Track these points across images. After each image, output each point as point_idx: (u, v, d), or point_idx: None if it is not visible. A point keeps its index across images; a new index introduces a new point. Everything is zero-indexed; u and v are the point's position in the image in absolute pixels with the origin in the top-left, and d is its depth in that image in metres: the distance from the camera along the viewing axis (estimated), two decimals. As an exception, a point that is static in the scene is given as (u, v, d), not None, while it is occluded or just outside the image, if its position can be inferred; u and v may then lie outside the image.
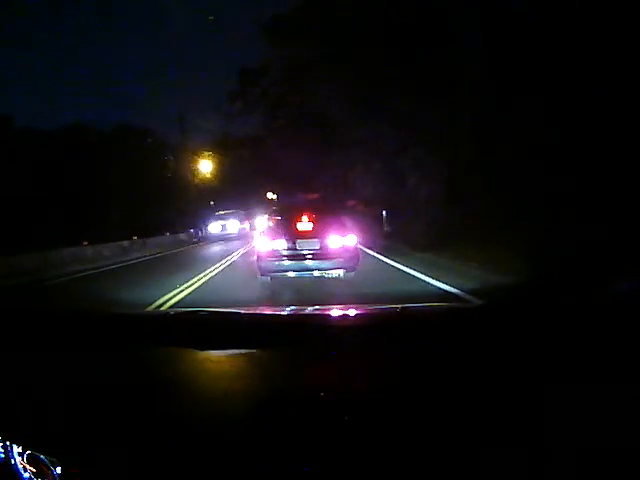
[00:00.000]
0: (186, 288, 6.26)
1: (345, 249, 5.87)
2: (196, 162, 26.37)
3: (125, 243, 17.28)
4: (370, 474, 0.65)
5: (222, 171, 32.49)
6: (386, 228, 14.27)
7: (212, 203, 33.17)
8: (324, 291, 5.42)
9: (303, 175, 23.45)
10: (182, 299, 5.57)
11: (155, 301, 5.28)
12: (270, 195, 36.45)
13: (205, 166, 27.77)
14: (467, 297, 4.40)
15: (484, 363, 0.94)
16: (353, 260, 5.86)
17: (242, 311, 1.45)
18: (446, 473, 0.64)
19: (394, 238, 11.81)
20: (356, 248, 6.03)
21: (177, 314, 1.54)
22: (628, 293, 1.02)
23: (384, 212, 14.69)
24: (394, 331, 1.11)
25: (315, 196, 13.85)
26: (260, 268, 5.99)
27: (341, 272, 5.79)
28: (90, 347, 1.20)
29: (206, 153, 27.26)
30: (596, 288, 1.19)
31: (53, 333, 1.29)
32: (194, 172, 25.90)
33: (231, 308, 1.57)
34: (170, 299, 5.54)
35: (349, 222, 6.75)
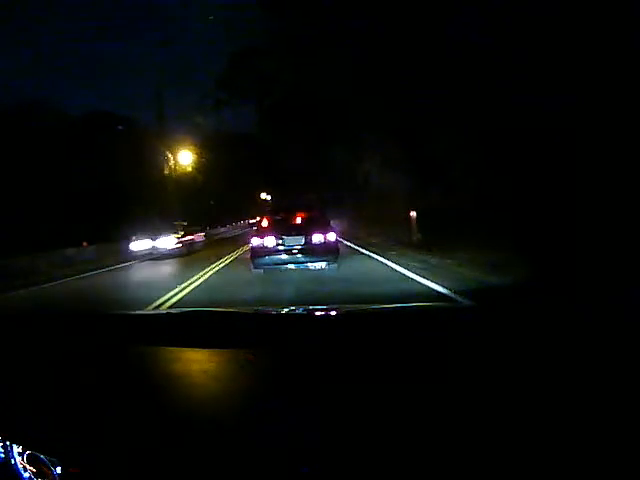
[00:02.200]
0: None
1: (326, 244, 7.33)
2: (175, 154, 22.11)
3: (70, 251, 14.59)
4: (369, 474, 0.70)
5: (211, 170, 31.67)
6: (416, 236, 11.55)
7: (212, 202, 31.96)
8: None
9: (300, 172, 22.27)
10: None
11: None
12: (264, 196, 36.78)
13: (185, 158, 23.43)
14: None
15: (481, 362, 1.01)
16: (333, 254, 7.38)
17: (242, 311, 1.55)
18: (444, 472, 0.69)
19: (435, 253, 8.85)
20: (336, 243, 7.63)
21: (177, 314, 1.63)
22: (624, 297, 1.14)
23: (412, 214, 11.88)
24: (392, 330, 1.19)
25: (314, 195, 13.79)
26: (253, 262, 7.47)
27: (324, 264, 7.24)
28: (90, 347, 1.27)
29: (190, 145, 23.06)
30: (591, 290, 1.34)
31: (54, 333, 1.36)
32: (172, 166, 21.66)
33: (231, 308, 1.68)
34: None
35: (331, 220, 8.35)
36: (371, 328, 1.25)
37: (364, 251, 11.17)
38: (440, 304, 2.89)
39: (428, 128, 11.02)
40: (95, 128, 22.15)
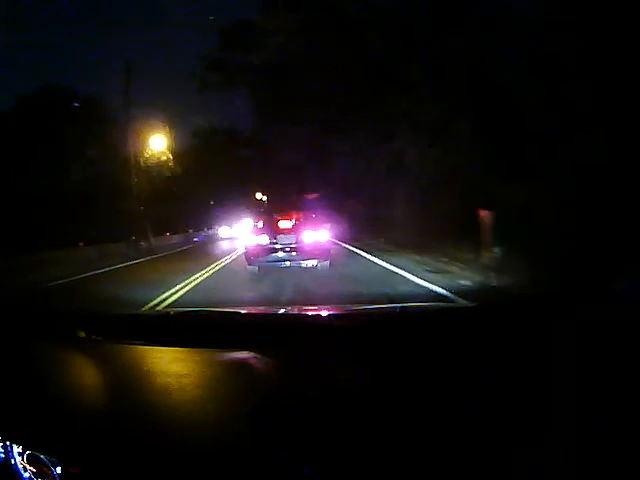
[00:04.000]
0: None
1: (317, 243, 8.09)
2: (146, 140, 17.94)
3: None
4: (369, 473, 0.74)
5: (202, 168, 29.49)
6: (490, 251, 7.49)
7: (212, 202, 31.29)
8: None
9: (299, 170, 20.05)
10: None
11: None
12: (259, 196, 35.28)
13: (159, 144, 19.31)
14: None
15: (482, 361, 1.05)
16: (324, 252, 8.17)
17: (242, 311, 1.60)
18: (443, 472, 0.72)
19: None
20: (328, 242, 8.54)
21: (176, 314, 1.68)
22: (625, 293, 1.15)
23: (485, 215, 7.81)
24: (392, 330, 1.25)
25: (313, 196, 12.58)
26: (248, 259, 8.35)
27: (315, 262, 7.95)
28: (90, 347, 1.33)
29: (167, 132, 19.07)
30: (591, 288, 1.38)
31: (54, 333, 1.42)
32: (140, 154, 17.41)
33: (230, 308, 1.73)
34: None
35: (330, 223, 9.34)
36: (371, 328, 1.32)
37: (405, 274, 7.28)
38: (440, 304, 2.98)
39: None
40: (42, 105, 18.01)
